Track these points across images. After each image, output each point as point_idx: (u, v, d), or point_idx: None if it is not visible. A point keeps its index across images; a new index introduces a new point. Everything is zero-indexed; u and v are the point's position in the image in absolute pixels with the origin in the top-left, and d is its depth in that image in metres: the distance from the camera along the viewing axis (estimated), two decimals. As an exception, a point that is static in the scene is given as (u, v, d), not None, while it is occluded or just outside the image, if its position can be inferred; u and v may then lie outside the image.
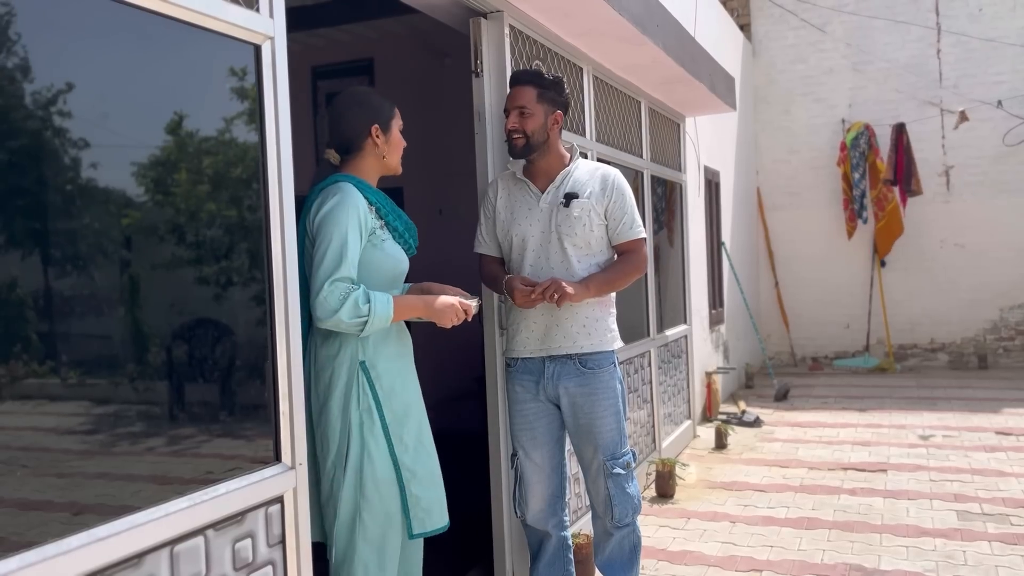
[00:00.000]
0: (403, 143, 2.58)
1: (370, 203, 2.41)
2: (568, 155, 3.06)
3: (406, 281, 2.65)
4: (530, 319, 2.98)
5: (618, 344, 3.07)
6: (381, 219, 2.44)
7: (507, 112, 2.98)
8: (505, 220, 3.05)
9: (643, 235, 3.04)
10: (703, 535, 4.23)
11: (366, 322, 2.26)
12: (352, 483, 2.34)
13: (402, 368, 2.45)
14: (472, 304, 2.53)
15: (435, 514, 2.45)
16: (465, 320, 2.56)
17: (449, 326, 2.43)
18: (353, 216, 2.31)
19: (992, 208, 9.40)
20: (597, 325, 2.99)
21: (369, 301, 2.26)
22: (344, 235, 2.28)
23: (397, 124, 2.55)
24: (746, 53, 9.79)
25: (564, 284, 2.79)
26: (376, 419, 2.35)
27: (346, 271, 2.26)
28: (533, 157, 2.99)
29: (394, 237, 2.47)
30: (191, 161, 1.91)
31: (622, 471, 2.96)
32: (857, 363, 9.73)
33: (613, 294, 3.10)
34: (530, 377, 3.01)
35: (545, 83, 2.95)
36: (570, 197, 2.94)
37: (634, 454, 3.07)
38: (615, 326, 3.09)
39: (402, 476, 2.37)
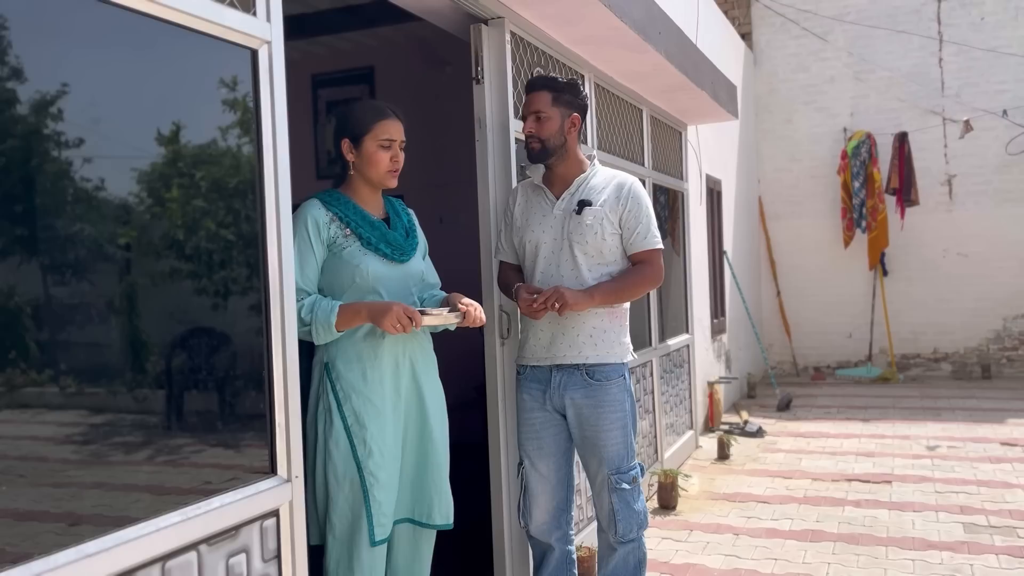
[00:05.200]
0: (383, 159, 2.52)
1: (334, 214, 2.47)
2: (587, 162, 3.02)
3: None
4: (537, 327, 2.94)
5: (629, 357, 2.99)
6: (347, 228, 2.48)
7: (524, 118, 2.95)
8: (520, 227, 3.02)
9: (659, 245, 2.96)
10: (706, 548, 4.18)
11: (311, 331, 2.35)
12: (321, 482, 2.44)
13: (365, 370, 2.45)
14: (435, 313, 2.45)
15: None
16: (454, 329, 2.57)
17: (392, 332, 2.36)
18: (300, 229, 2.40)
19: (995, 218, 9.37)
20: (605, 336, 2.92)
21: (313, 311, 2.34)
22: (296, 248, 2.35)
23: (374, 140, 2.51)
24: (747, 62, 9.77)
25: (564, 292, 2.75)
26: (336, 420, 2.42)
27: (297, 283, 2.33)
28: (551, 163, 2.95)
29: (362, 245, 2.48)
30: (186, 168, 1.88)
31: (628, 486, 2.89)
32: (860, 373, 9.68)
33: (627, 306, 3.04)
34: (537, 386, 2.96)
35: (559, 86, 2.92)
36: (583, 204, 2.90)
37: (642, 468, 3.00)
38: (627, 339, 3.02)
39: (365, 480, 2.39)
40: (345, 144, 2.53)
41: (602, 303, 2.87)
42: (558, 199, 2.96)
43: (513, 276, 3.06)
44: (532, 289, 2.83)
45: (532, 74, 3.62)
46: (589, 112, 4.24)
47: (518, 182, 3.24)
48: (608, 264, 2.93)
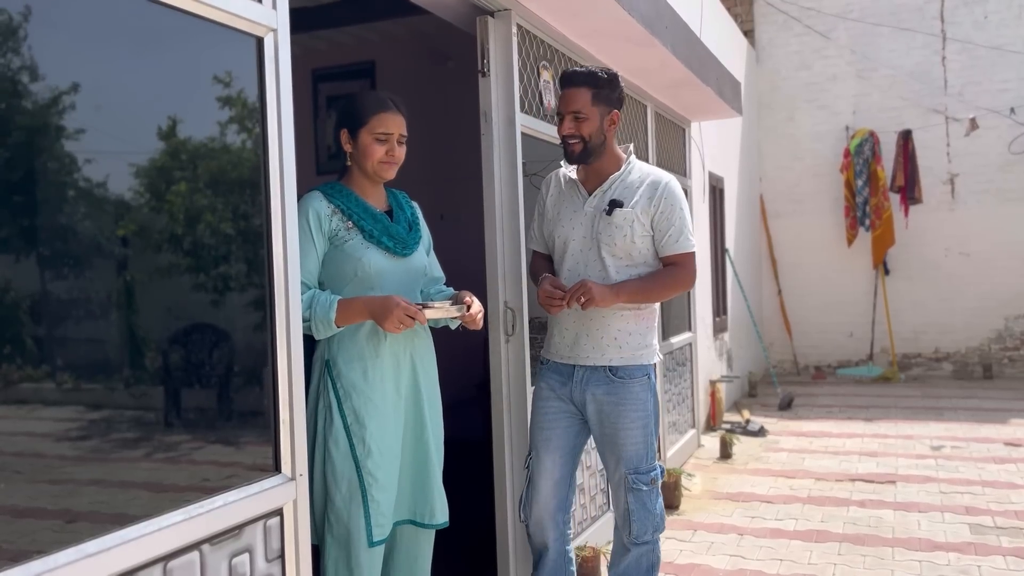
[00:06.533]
0: (377, 152, 2.46)
1: (336, 206, 2.42)
2: (624, 156, 2.92)
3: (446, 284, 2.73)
4: (563, 325, 2.88)
5: (656, 359, 2.91)
6: (348, 220, 2.43)
7: (560, 116, 2.83)
8: (551, 220, 2.95)
9: (692, 249, 2.87)
10: (710, 548, 4.14)
11: (310, 326, 2.29)
12: (319, 481, 2.39)
13: (366, 368, 2.41)
14: (438, 307, 2.42)
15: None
16: (456, 325, 2.57)
17: (394, 331, 2.33)
18: (302, 222, 2.34)
19: (997, 217, 9.33)
20: (631, 339, 2.84)
21: (312, 306, 2.30)
22: (298, 241, 2.27)
23: (369, 132, 2.46)
24: (750, 59, 9.73)
25: (592, 287, 2.66)
26: (336, 418, 2.38)
27: (301, 276, 2.28)
28: (591, 160, 2.85)
29: (364, 237, 2.43)
30: (189, 159, 1.83)
31: (645, 487, 2.81)
32: (861, 372, 9.64)
33: (656, 307, 2.95)
34: (558, 377, 2.90)
35: (600, 83, 2.80)
36: (613, 205, 2.80)
37: (662, 469, 2.92)
38: (654, 340, 2.93)
39: (363, 480, 2.36)
40: (343, 135, 2.49)
41: (628, 301, 2.78)
42: (590, 195, 2.87)
43: (544, 266, 3.00)
44: (557, 283, 2.75)
45: (538, 68, 3.58)
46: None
47: (552, 172, 3.11)
48: (637, 266, 2.84)
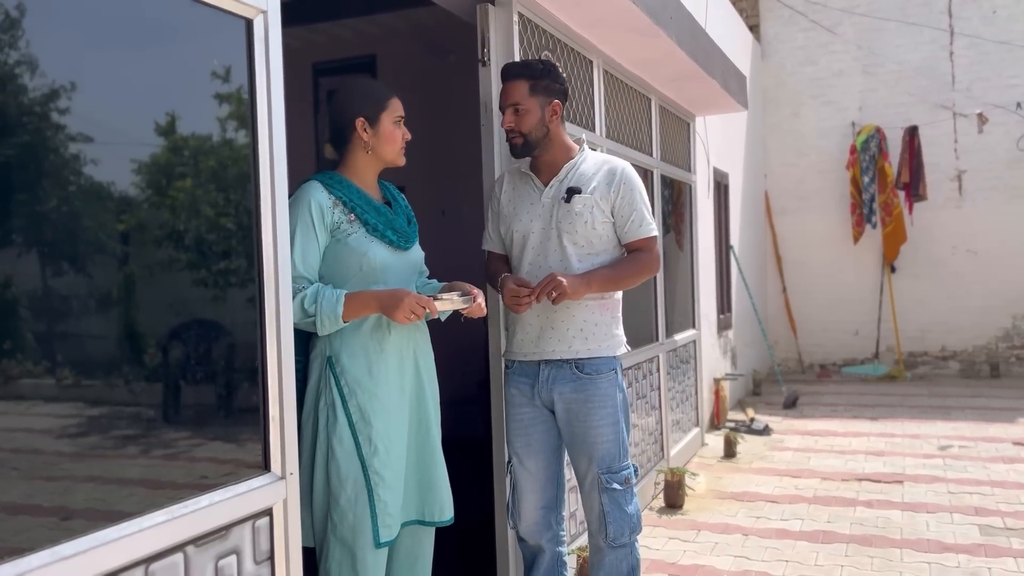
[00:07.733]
0: (399, 136, 2.46)
1: (337, 198, 2.35)
2: (575, 147, 2.88)
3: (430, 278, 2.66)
4: (525, 320, 2.80)
5: (622, 351, 2.87)
6: (351, 213, 2.36)
7: (502, 110, 2.80)
8: (508, 215, 2.87)
9: (654, 233, 2.83)
10: (715, 548, 4.06)
11: (315, 322, 2.22)
12: (321, 480, 2.32)
13: (371, 364, 2.34)
14: (446, 298, 2.37)
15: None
16: (446, 318, 2.52)
17: (404, 323, 2.28)
18: (303, 213, 2.29)
19: (1005, 214, 9.23)
20: (597, 330, 2.79)
21: (317, 301, 2.22)
22: (295, 234, 2.23)
23: (390, 116, 2.44)
24: (755, 54, 9.64)
25: (562, 280, 2.60)
26: (340, 416, 2.30)
27: (299, 270, 2.24)
28: (536, 153, 2.82)
29: (368, 231, 2.37)
30: (174, 150, 1.75)
31: (619, 487, 2.74)
32: (866, 371, 9.55)
33: (619, 296, 2.90)
34: (526, 380, 2.83)
35: (536, 73, 2.75)
36: (571, 192, 2.75)
37: (636, 469, 2.86)
38: (619, 331, 2.88)
39: (370, 479, 2.29)
40: (360, 123, 2.41)
41: (599, 291, 2.73)
42: (546, 186, 2.82)
43: (501, 267, 2.92)
44: (520, 281, 2.68)
45: (540, 57, 3.50)
46: (597, 99, 4.11)
47: (503, 169, 3.07)
48: (599, 254, 2.79)
